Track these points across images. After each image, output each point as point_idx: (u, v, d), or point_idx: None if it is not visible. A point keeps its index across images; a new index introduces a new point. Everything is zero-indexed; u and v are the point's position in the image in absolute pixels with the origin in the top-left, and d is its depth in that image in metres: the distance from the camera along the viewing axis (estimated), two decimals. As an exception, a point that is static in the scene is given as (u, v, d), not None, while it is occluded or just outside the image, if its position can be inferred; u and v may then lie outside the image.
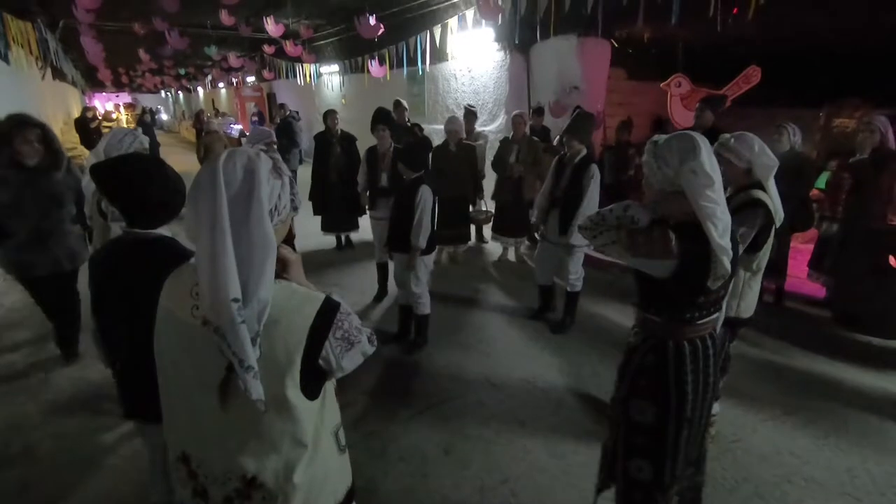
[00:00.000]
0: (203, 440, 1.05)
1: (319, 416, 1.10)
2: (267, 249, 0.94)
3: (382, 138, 4.45)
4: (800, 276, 4.66)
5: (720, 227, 1.46)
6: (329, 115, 5.73)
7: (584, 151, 3.62)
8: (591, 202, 3.51)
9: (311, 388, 1.04)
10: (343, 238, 6.16)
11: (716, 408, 2.75)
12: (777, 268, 4.13)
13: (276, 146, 3.89)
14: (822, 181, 4.79)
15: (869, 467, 2.52)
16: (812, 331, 3.95)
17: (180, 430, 1.11)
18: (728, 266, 1.50)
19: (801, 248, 5.19)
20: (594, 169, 3.52)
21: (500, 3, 5.73)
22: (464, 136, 5.34)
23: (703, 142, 1.50)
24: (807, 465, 2.53)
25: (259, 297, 0.92)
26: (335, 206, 5.73)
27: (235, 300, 0.90)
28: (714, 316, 1.63)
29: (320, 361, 1.02)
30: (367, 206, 4.66)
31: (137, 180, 1.57)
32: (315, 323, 1.00)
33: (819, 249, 4.35)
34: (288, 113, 9.15)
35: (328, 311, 1.03)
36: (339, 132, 5.73)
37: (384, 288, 4.61)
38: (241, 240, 0.93)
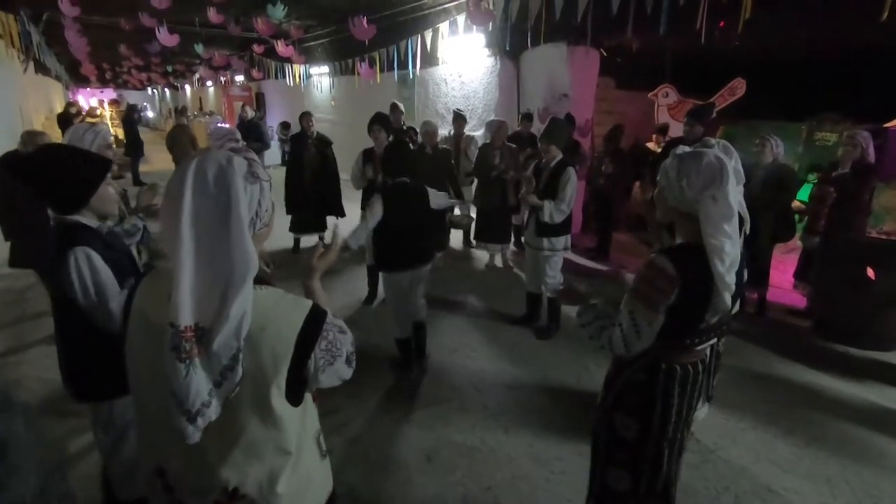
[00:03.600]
0: (181, 453, 1.00)
1: (301, 423, 1.08)
2: (248, 266, 0.91)
3: (378, 139, 4.49)
4: (782, 286, 4.73)
5: (727, 261, 1.39)
6: (304, 116, 5.76)
7: (560, 156, 3.64)
8: (565, 203, 3.51)
9: (295, 394, 1.02)
10: (320, 239, 6.13)
11: (704, 411, 2.76)
12: (759, 278, 4.19)
13: (242, 144, 3.84)
14: (804, 193, 4.88)
15: (848, 477, 2.55)
16: (793, 340, 4.00)
17: (156, 442, 1.06)
18: (729, 302, 1.45)
19: (784, 259, 5.26)
20: (570, 172, 3.53)
21: (491, 8, 5.76)
22: (437, 140, 5.33)
23: (732, 168, 1.44)
24: (787, 475, 2.55)
25: (231, 314, 0.89)
26: (306, 208, 5.71)
27: (172, 325, 0.87)
28: (712, 342, 1.61)
29: (305, 370, 1.00)
30: (361, 206, 4.64)
31: (47, 171, 1.62)
32: (304, 330, 0.98)
33: (804, 261, 4.41)
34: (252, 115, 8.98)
35: (316, 318, 1.01)
36: (315, 134, 5.75)
37: (374, 291, 4.57)
38: (219, 257, 0.90)
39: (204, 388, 0.90)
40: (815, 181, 4.56)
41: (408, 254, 3.16)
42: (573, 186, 3.52)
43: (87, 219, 1.68)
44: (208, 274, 0.90)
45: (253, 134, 7.13)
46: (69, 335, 1.75)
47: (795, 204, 4.44)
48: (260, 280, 1.01)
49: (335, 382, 1.07)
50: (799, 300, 4.51)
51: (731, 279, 1.40)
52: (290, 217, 5.83)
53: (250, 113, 7.60)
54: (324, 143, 5.77)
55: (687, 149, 1.53)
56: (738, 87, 6.58)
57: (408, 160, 3.16)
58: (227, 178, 0.93)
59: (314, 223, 5.82)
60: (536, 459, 2.62)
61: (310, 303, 1.03)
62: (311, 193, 5.61)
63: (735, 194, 1.42)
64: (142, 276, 1.13)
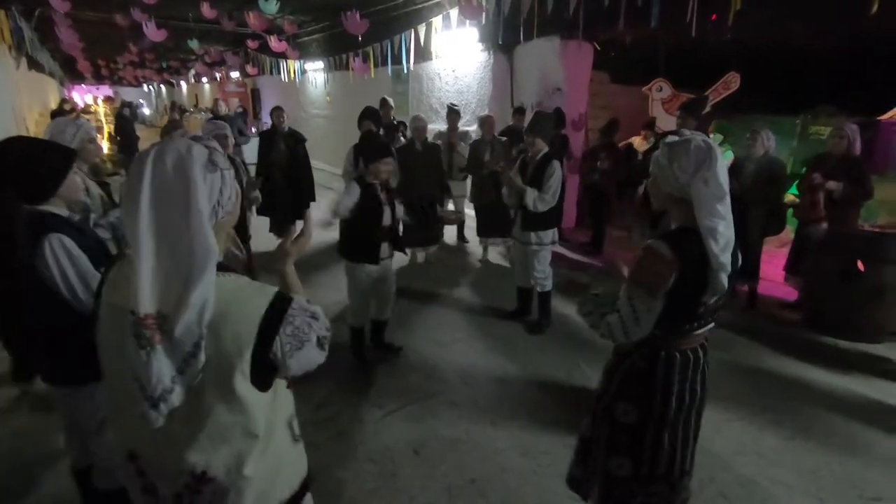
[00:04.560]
0: (151, 437, 1.02)
1: (272, 408, 1.09)
2: (208, 253, 0.93)
3: None
4: (773, 279, 4.74)
5: (721, 242, 1.42)
6: (275, 111, 5.54)
7: (546, 149, 3.63)
8: (549, 193, 3.51)
9: (263, 380, 1.03)
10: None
11: None
12: (750, 271, 4.19)
13: (227, 139, 3.72)
14: (796, 187, 4.87)
15: (833, 468, 2.56)
16: (782, 333, 4.01)
17: (127, 427, 1.07)
18: (725, 283, 1.47)
19: (775, 252, 5.26)
20: (555, 165, 3.54)
21: (483, 3, 5.74)
22: (426, 135, 5.26)
23: (718, 151, 1.48)
24: (772, 466, 2.56)
25: (192, 302, 0.90)
26: (281, 207, 5.40)
27: (132, 312, 0.89)
28: (710, 326, 1.62)
29: (270, 355, 1.00)
30: None
31: (15, 162, 1.64)
32: (266, 315, 0.99)
33: (795, 254, 4.41)
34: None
35: (280, 304, 1.01)
36: (287, 129, 5.50)
37: None
38: (179, 244, 0.92)
39: (166, 374, 0.91)
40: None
41: (367, 248, 3.19)
42: (558, 179, 3.53)
43: (56, 208, 1.70)
44: (169, 261, 0.92)
45: (232, 129, 7.04)
46: (46, 322, 1.76)
47: (788, 198, 4.44)
48: (225, 268, 1.02)
49: (308, 368, 1.06)
50: (790, 293, 4.52)
51: (726, 259, 1.44)
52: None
53: (223, 108, 7.59)
54: (295, 139, 5.46)
55: (675, 137, 1.56)
56: (732, 81, 6.57)
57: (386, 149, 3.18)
58: (185, 166, 0.95)
59: (291, 223, 5.45)
60: (524, 452, 2.62)
61: (274, 289, 1.04)
62: (281, 194, 5.27)
63: (724, 176, 1.46)
64: (112, 262, 1.14)
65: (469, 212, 5.96)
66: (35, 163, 1.65)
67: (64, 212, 1.72)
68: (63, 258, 1.61)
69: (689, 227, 1.49)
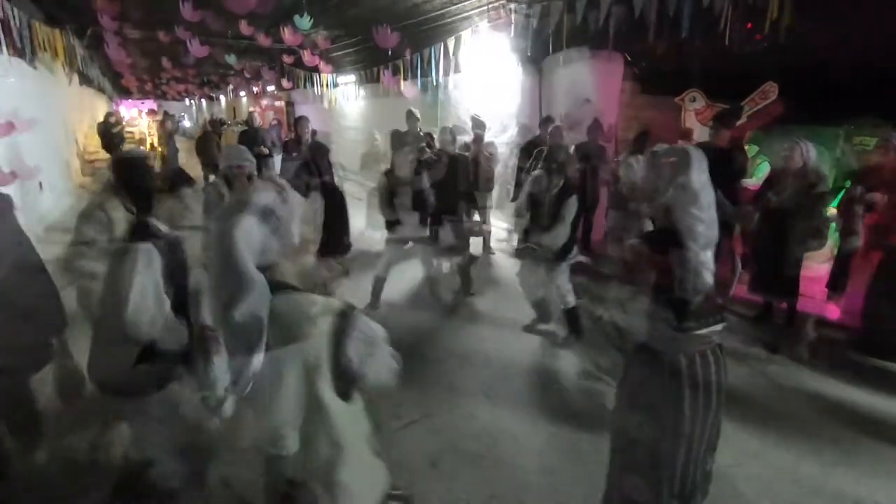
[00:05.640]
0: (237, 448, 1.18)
1: (354, 420, 1.18)
2: (248, 286, 1.03)
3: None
4: (814, 296, 4.51)
5: (701, 241, 1.48)
6: (299, 121, 5.44)
7: (562, 182, 3.61)
8: (564, 227, 3.56)
9: (343, 390, 1.11)
10: None
11: None
12: (788, 287, 4.00)
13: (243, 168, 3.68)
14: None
15: (878, 500, 2.39)
16: (825, 353, 3.79)
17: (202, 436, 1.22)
18: (709, 279, 1.50)
19: (817, 269, 5.02)
20: (573, 201, 3.55)
21: (512, 15, 5.76)
22: (455, 147, 5.20)
23: (697, 158, 1.53)
24: (811, 495, 2.41)
25: (237, 321, 1.00)
26: None
27: (196, 323, 1.06)
28: (714, 327, 1.59)
29: (345, 361, 1.09)
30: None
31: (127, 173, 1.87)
32: (336, 326, 1.08)
33: (837, 270, 4.19)
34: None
35: (346, 314, 1.12)
36: (309, 141, 5.42)
37: (376, 299, 4.53)
38: (225, 276, 1.05)
39: (220, 384, 1.03)
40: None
41: None
42: (573, 212, 3.54)
43: (158, 222, 1.80)
44: (223, 290, 1.05)
45: (266, 141, 7.25)
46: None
47: (830, 212, 4.23)
48: (292, 287, 1.13)
49: (384, 374, 1.15)
50: (831, 311, 4.29)
51: (706, 257, 1.50)
52: None
53: (258, 121, 8.07)
54: (319, 151, 5.31)
55: (664, 146, 1.63)
56: (769, 91, 6.35)
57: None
58: (227, 233, 1.08)
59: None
60: (543, 468, 2.55)
61: (338, 301, 1.14)
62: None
63: (701, 182, 1.52)
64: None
65: (496, 223, 5.92)
66: (137, 178, 1.84)
67: (163, 226, 1.81)
68: (141, 269, 1.64)
69: (671, 227, 1.54)
